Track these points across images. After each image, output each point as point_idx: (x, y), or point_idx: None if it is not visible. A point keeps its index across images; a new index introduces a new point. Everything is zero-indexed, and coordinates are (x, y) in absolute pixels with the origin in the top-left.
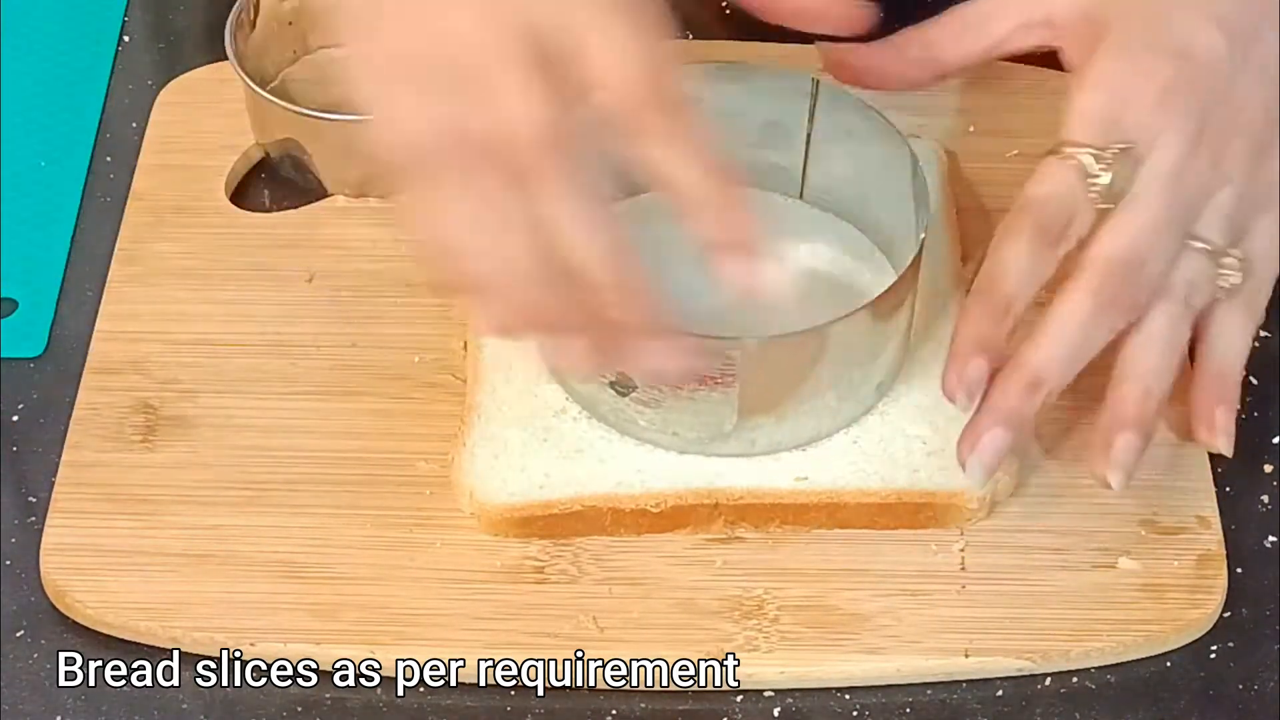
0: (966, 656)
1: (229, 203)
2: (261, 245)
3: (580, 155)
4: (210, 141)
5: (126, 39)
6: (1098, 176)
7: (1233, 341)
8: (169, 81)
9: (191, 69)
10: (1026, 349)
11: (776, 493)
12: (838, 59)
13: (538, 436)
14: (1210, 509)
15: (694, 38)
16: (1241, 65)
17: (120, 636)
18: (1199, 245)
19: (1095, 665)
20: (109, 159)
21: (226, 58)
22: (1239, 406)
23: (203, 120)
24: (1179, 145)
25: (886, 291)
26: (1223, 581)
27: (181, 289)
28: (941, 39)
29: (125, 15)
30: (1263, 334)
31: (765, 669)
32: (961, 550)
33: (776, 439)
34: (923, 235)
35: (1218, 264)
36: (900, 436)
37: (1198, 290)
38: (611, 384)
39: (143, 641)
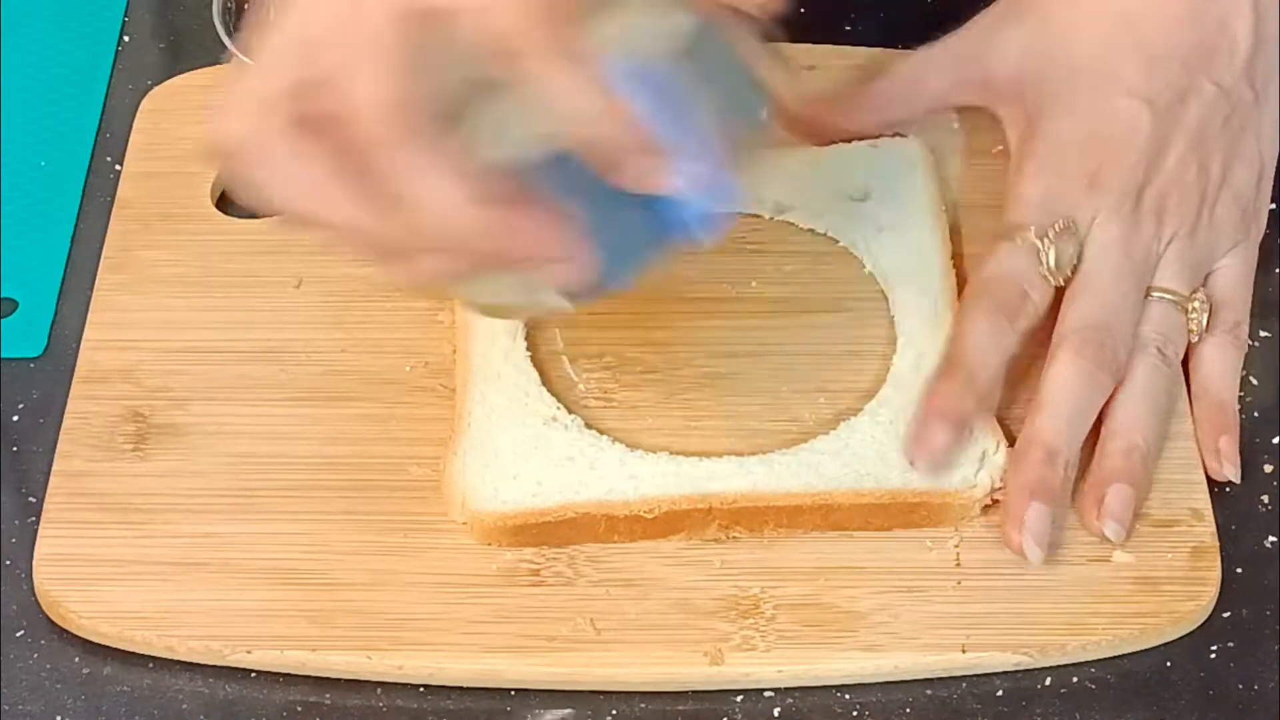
0: (964, 652)
1: (215, 209)
2: (249, 251)
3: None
4: (193, 148)
5: (126, 39)
6: (1045, 253)
7: (1223, 373)
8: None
9: (192, 69)
10: (1030, 425)
11: (770, 496)
12: (791, 118)
13: (528, 444)
14: (1203, 502)
15: None
16: (1170, 132)
17: (115, 646)
18: (1161, 295)
19: (1092, 659)
20: (109, 159)
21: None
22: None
23: (186, 127)
24: (1117, 220)
25: None
26: (1217, 574)
27: (169, 296)
28: (887, 97)
29: (125, 15)
30: (1263, 334)
31: (763, 668)
32: (956, 546)
33: None
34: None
35: (1185, 310)
36: (892, 438)
37: (1170, 340)
38: None
39: (139, 651)
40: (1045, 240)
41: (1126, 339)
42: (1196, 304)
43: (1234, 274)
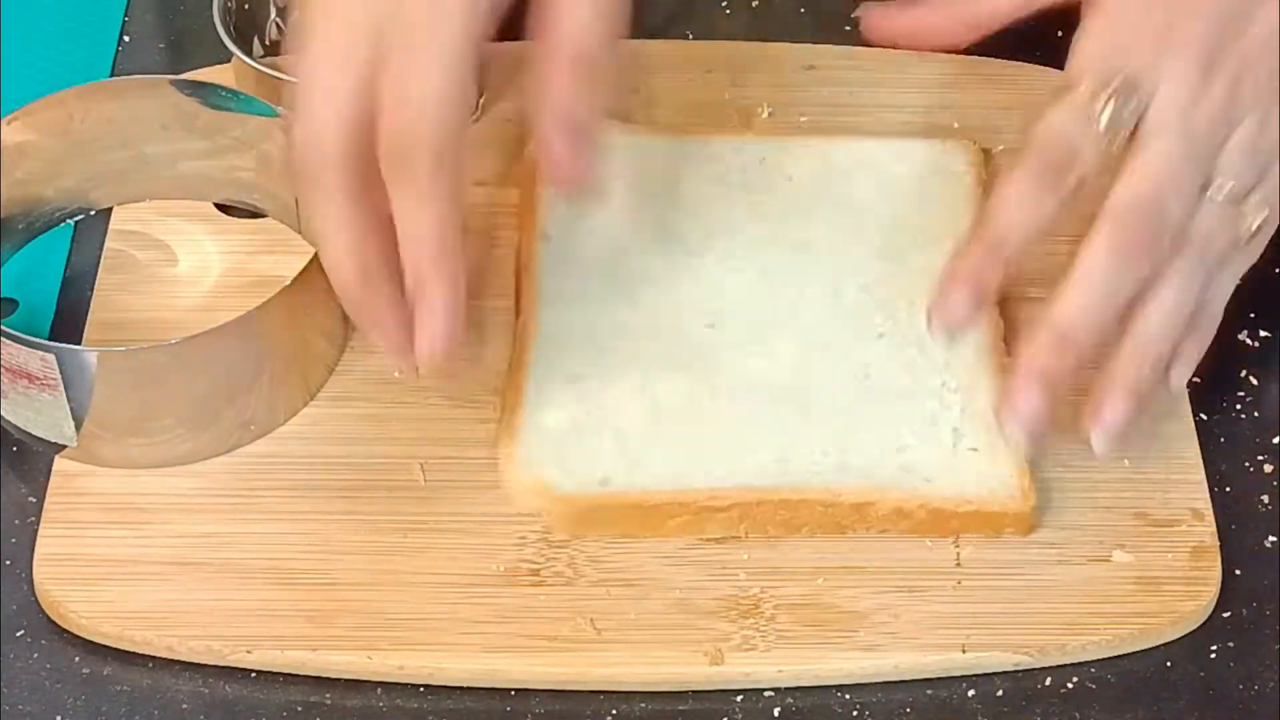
0: (964, 652)
1: (214, 208)
2: (248, 251)
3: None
4: None
5: (126, 39)
6: (1101, 110)
7: (1224, 284)
8: None
9: (192, 69)
10: (1050, 305)
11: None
12: (875, 22)
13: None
14: (1203, 501)
15: (694, 38)
16: (1258, 2)
17: (116, 646)
18: (1217, 189)
19: (1092, 659)
20: None
21: (224, 59)
22: (1235, 404)
23: None
24: (1186, 79)
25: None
26: (1217, 574)
27: (169, 296)
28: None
29: (125, 15)
30: (1263, 334)
31: (763, 668)
32: (956, 546)
33: (120, 454)
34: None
35: (1239, 208)
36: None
37: (1213, 242)
38: None
39: (139, 651)
40: (1101, 95)
41: (1175, 224)
42: (1252, 203)
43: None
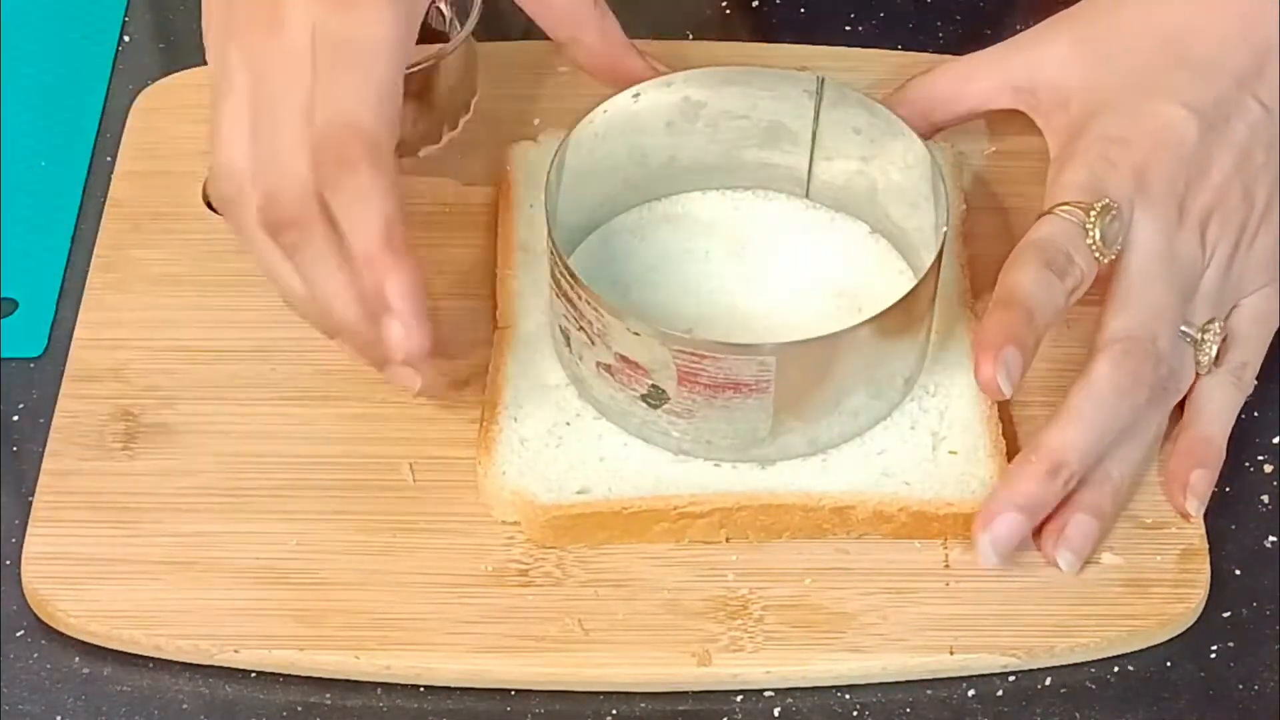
0: (951, 654)
1: (206, 208)
2: (240, 250)
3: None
4: (186, 148)
5: (126, 39)
6: (1091, 227)
7: (1217, 410)
8: None
9: (191, 69)
10: (1046, 433)
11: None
12: None
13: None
14: None
15: (694, 38)
16: (1216, 147)
17: (104, 645)
18: (1189, 326)
19: (1081, 660)
20: (109, 159)
21: None
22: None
23: (178, 126)
24: (1162, 223)
25: (915, 289)
26: (1205, 576)
27: (160, 295)
28: (930, 98)
29: (125, 15)
30: None
31: (750, 669)
32: (945, 547)
33: (808, 441)
34: (945, 230)
35: (1196, 343)
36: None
37: (1174, 375)
38: (643, 397)
39: (127, 650)
40: (1091, 214)
41: (1165, 355)
42: (1210, 335)
43: (1255, 314)
